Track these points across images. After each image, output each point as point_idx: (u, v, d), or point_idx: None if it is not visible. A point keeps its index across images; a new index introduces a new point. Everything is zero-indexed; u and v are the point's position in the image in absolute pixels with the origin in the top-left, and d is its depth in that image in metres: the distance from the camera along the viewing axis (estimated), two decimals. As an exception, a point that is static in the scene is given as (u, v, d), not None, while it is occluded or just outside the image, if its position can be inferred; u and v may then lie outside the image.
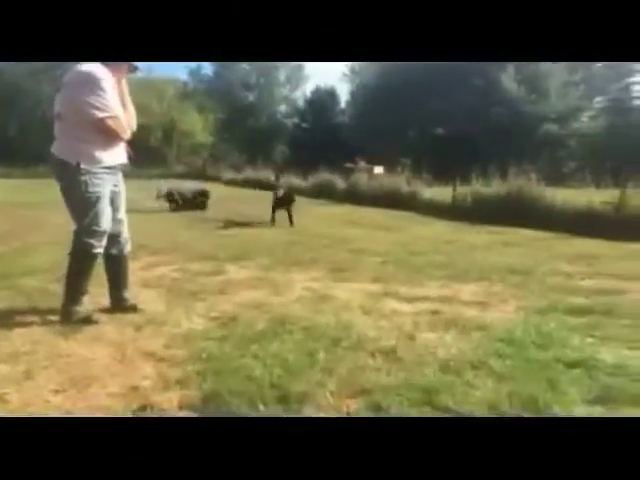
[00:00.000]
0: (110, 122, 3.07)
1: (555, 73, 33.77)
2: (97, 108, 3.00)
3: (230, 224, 8.51)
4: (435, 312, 3.55)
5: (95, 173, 3.11)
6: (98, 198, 3.14)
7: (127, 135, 3.26)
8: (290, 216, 8.51)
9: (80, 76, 3.06)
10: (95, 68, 3.04)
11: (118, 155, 3.28)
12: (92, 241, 3.16)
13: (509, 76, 33.59)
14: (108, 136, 3.12)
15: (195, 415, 2.07)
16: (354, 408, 2.16)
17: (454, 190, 11.26)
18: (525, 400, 2.20)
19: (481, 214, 9.56)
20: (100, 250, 3.24)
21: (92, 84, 2.99)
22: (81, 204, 3.13)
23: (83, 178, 3.07)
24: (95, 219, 3.14)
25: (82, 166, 3.07)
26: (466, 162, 13.27)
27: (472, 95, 34.73)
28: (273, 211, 8.81)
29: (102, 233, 3.20)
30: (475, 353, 2.76)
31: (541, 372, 2.50)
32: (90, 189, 3.10)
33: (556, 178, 14.50)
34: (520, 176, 9.96)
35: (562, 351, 2.78)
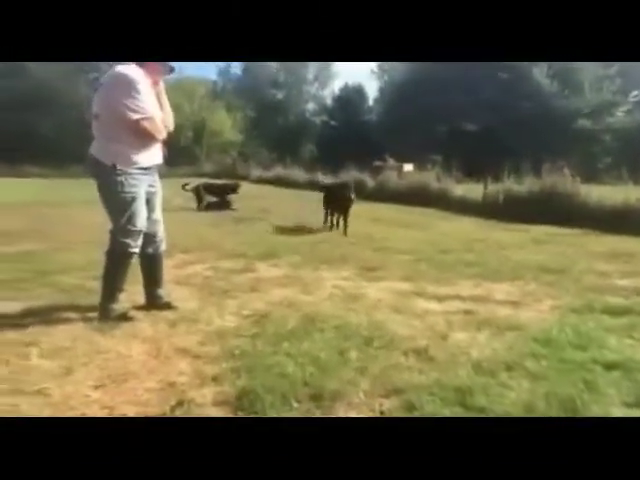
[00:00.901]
0: (145, 123, 3.12)
1: (589, 67, 33.05)
2: (132, 110, 3.06)
3: (284, 230, 7.71)
4: (467, 311, 3.52)
5: (131, 174, 3.18)
6: (134, 198, 3.20)
7: (163, 135, 3.32)
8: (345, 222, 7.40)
9: (116, 78, 3.12)
10: (131, 70, 3.10)
11: (154, 156, 3.34)
12: (128, 240, 3.23)
13: (541, 71, 33.04)
14: (144, 137, 3.18)
15: (227, 415, 2.09)
16: (387, 407, 2.16)
17: (485, 187, 11.11)
18: (562, 401, 2.16)
19: (513, 211, 9.41)
20: (136, 249, 3.30)
21: (128, 86, 3.05)
22: (117, 204, 3.20)
23: (119, 179, 3.14)
24: (131, 219, 3.21)
25: (118, 167, 3.13)
26: (497, 158, 13.07)
27: (502, 90, 34.22)
28: (329, 214, 7.81)
29: (138, 233, 3.27)
30: (509, 353, 2.73)
31: (578, 373, 2.46)
32: (126, 189, 3.16)
33: (591, 174, 14.19)
34: (554, 172, 9.77)
35: (600, 352, 2.73)
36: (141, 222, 3.27)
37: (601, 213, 8.60)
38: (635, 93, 38.10)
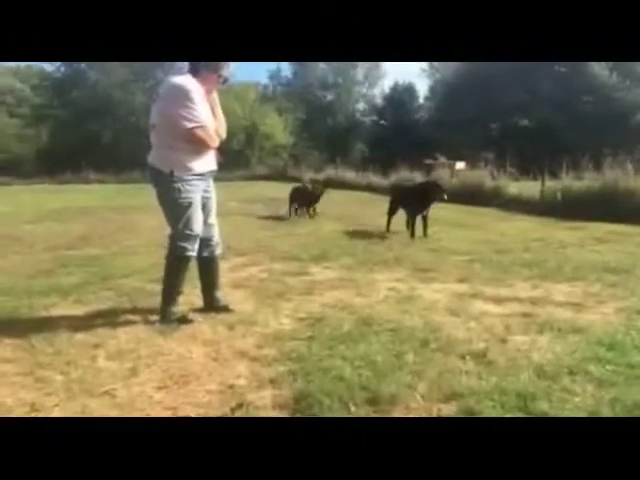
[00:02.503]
0: (199, 132, 3.21)
1: (652, 56, 31.47)
2: (187, 119, 3.15)
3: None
4: (527, 314, 3.43)
5: (187, 180, 3.27)
6: (190, 204, 3.30)
7: (216, 144, 3.40)
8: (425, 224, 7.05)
9: (172, 89, 3.24)
10: (185, 81, 3.21)
11: (209, 162, 3.42)
12: (186, 245, 3.33)
13: (599, 63, 31.74)
14: (198, 145, 3.27)
15: (286, 415, 2.12)
16: (445, 412, 2.14)
17: (542, 184, 10.78)
18: (630, 407, 2.08)
19: (573, 209, 9.09)
20: (193, 253, 3.40)
21: (183, 96, 3.15)
22: (175, 210, 3.31)
23: (176, 185, 3.24)
24: (188, 224, 3.31)
25: (175, 174, 3.23)
26: (554, 154, 12.67)
27: (559, 84, 33.16)
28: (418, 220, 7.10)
29: (195, 237, 3.36)
30: (572, 357, 2.65)
31: (646, 378, 2.36)
32: (183, 195, 3.26)
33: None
34: (615, 168, 9.38)
35: (669, 356, 2.61)
36: (198, 227, 3.36)
37: (667, 209, 8.19)
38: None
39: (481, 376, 2.45)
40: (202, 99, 3.27)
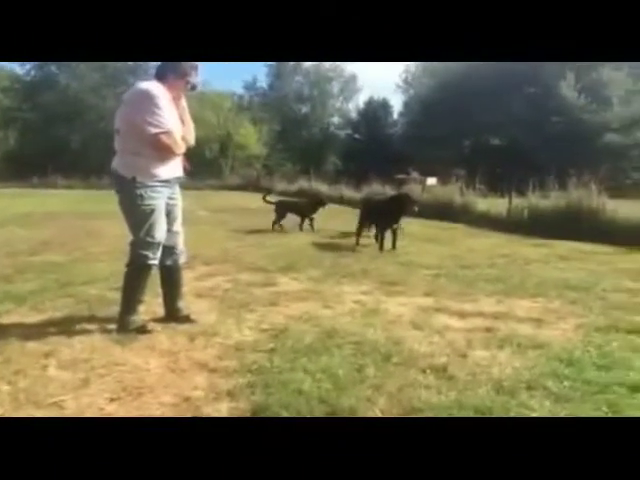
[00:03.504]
0: (164, 138, 3.15)
1: (618, 81, 32.64)
2: (152, 124, 3.09)
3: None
4: (489, 329, 3.45)
5: (151, 186, 3.21)
6: (153, 211, 3.23)
7: (182, 150, 3.34)
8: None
9: (137, 94, 3.19)
10: (151, 86, 3.16)
11: (174, 169, 3.37)
12: (147, 252, 3.26)
13: (568, 84, 32.71)
14: (162, 151, 3.21)
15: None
16: (403, 426, 2.12)
17: (510, 202, 10.97)
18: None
19: (538, 227, 9.25)
20: (155, 261, 3.33)
21: (148, 101, 3.10)
22: (137, 216, 3.24)
23: (139, 192, 3.18)
24: (150, 231, 3.24)
25: (138, 180, 3.17)
26: (522, 173, 12.91)
27: (528, 104, 33.99)
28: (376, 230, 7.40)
29: (157, 245, 3.30)
30: (531, 373, 2.66)
31: (601, 395, 2.38)
32: (146, 202, 3.20)
33: (618, 190, 13.89)
34: (580, 187, 9.59)
35: (625, 373, 2.64)
36: (160, 234, 3.29)
37: (629, 229, 8.39)
38: (666, 107, 37.42)
39: (440, 390, 2.45)
40: (169, 105, 3.22)
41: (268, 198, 9.54)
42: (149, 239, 3.24)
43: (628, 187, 20.45)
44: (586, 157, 27.63)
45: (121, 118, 3.22)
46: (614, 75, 32.60)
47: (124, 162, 3.24)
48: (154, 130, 3.10)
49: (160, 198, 3.28)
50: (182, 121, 3.40)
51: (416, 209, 7.08)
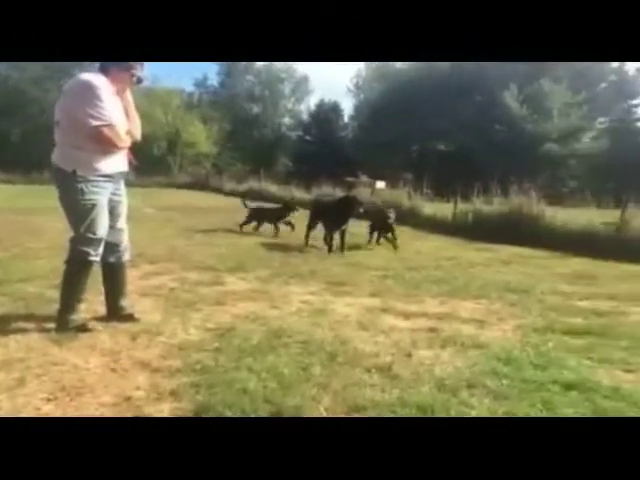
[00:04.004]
0: (106, 130, 3.05)
1: (558, 93, 34.10)
2: (92, 116, 2.99)
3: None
4: (433, 329, 3.53)
5: (92, 181, 3.11)
6: (94, 206, 3.13)
7: (125, 144, 3.25)
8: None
9: (78, 85, 3.08)
10: (93, 77, 3.06)
11: (117, 163, 3.27)
12: (87, 249, 3.16)
13: (512, 95, 33.96)
14: (104, 144, 3.11)
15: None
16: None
17: (455, 207, 11.26)
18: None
19: (482, 231, 9.54)
20: (96, 258, 3.23)
21: (89, 93, 3.00)
22: (77, 212, 3.13)
23: (79, 186, 3.07)
24: (91, 227, 3.14)
25: (78, 173, 3.07)
26: (468, 178, 13.29)
27: (474, 112, 35.02)
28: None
29: (98, 241, 3.20)
30: (471, 372, 2.74)
31: (537, 393, 2.48)
32: (86, 197, 3.09)
33: (556, 197, 14.51)
34: (521, 194, 9.96)
35: (559, 372, 2.76)
36: (101, 230, 3.20)
37: (566, 235, 8.77)
38: (601, 120, 39.41)
39: (384, 389, 2.49)
40: (111, 97, 3.12)
41: (247, 202, 9.55)
42: (90, 235, 3.14)
43: (566, 195, 21.35)
44: (527, 165, 28.80)
45: (61, 110, 3.10)
46: (554, 88, 34.04)
47: (64, 155, 3.12)
48: (95, 122, 3.00)
49: (102, 193, 3.18)
50: (127, 115, 3.31)
51: (362, 210, 7.19)
